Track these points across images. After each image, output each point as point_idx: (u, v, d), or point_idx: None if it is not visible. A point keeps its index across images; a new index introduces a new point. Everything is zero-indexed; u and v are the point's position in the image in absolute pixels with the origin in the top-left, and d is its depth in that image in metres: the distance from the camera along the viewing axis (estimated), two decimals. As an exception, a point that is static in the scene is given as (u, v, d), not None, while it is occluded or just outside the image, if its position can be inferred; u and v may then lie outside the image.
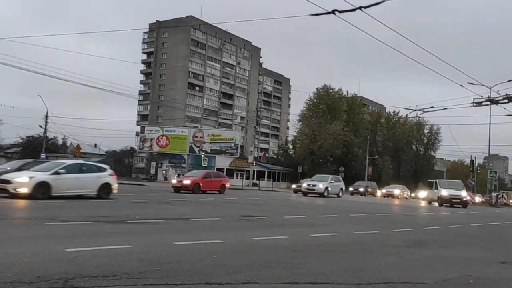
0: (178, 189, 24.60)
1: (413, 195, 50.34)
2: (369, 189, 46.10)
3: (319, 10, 9.69)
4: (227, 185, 27.51)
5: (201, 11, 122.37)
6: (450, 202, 27.73)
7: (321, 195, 29.00)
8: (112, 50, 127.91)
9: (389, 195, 42.74)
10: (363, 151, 62.98)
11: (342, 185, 33.09)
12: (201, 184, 24.87)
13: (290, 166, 61.87)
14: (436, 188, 29.67)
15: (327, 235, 9.57)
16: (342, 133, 60.29)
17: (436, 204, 29.13)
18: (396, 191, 43.88)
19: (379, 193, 45.63)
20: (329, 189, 30.06)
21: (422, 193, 44.01)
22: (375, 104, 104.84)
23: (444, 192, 28.17)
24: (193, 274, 5.15)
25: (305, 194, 29.93)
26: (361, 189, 45.01)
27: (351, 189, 45.94)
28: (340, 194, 31.72)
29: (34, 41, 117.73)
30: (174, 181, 26.88)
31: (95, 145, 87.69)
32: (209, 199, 20.65)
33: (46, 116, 48.77)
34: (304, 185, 31.01)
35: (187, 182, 24.87)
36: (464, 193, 28.89)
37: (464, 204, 28.11)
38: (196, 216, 12.14)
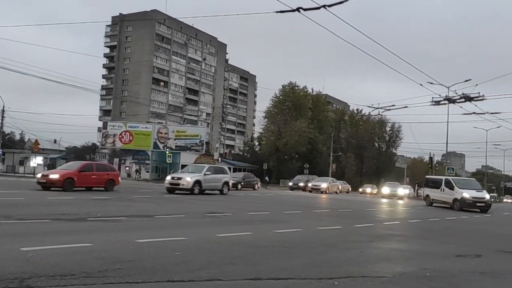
0: (45, 185, 19.60)
1: (360, 190, 50.79)
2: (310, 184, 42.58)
3: (284, 8, 9.76)
4: (118, 180, 22.66)
5: (166, 5, 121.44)
6: (474, 206, 22.87)
7: (190, 191, 21.74)
8: (74, 43, 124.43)
9: (315, 189, 37.76)
10: (328, 148, 64.06)
11: (227, 178, 25.00)
12: (75, 179, 20.01)
13: (255, 162, 62.11)
14: (450, 188, 24.41)
15: (291, 231, 9.68)
16: (307, 130, 61.02)
17: (438, 205, 25.19)
18: (323, 185, 38.52)
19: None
20: (203, 183, 22.57)
21: (385, 189, 40.67)
22: (339, 102, 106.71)
23: (466, 194, 23.07)
24: (155, 271, 5.08)
25: (169, 190, 22.26)
26: (301, 184, 41.11)
27: (290, 184, 43.52)
28: (225, 190, 24.24)
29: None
30: (39, 175, 21.17)
31: (55, 141, 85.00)
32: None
33: (3, 111, 47.06)
34: (168, 178, 23.33)
35: (54, 176, 19.86)
36: (487, 195, 24.59)
37: (487, 208, 23.30)
38: (160, 213, 11.98)
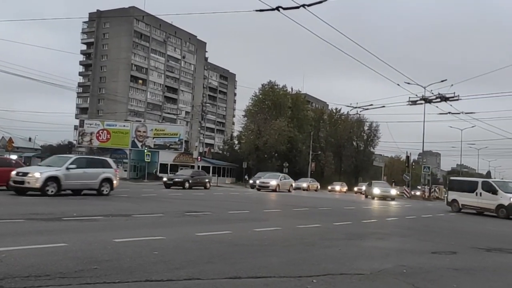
0: None
1: (329, 188, 51.59)
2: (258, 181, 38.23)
3: (264, 7, 9.76)
4: None
5: (144, 2, 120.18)
6: None
7: (41, 191, 15.74)
8: (50, 40, 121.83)
9: (264, 187, 33.43)
10: (307, 147, 64.41)
11: (108, 173, 18.44)
12: None
13: (235, 161, 61.98)
14: (493, 192, 20.65)
15: (270, 229, 9.69)
16: (286, 129, 61.23)
17: (470, 211, 21.98)
18: (273, 182, 33.61)
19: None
20: (64, 181, 16.43)
21: (376, 190, 34.08)
22: (318, 101, 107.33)
23: None
24: (133, 271, 5.01)
25: (15, 190, 16.27)
26: None
27: (251, 182, 39.59)
28: (106, 189, 18.05)
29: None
30: None
31: (30, 139, 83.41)
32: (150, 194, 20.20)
33: (-25, 108, 45.82)
34: (13, 173, 16.58)
35: None
36: None
37: None
38: (138, 212, 11.84)
